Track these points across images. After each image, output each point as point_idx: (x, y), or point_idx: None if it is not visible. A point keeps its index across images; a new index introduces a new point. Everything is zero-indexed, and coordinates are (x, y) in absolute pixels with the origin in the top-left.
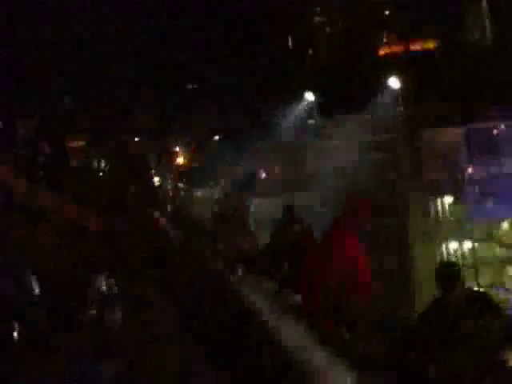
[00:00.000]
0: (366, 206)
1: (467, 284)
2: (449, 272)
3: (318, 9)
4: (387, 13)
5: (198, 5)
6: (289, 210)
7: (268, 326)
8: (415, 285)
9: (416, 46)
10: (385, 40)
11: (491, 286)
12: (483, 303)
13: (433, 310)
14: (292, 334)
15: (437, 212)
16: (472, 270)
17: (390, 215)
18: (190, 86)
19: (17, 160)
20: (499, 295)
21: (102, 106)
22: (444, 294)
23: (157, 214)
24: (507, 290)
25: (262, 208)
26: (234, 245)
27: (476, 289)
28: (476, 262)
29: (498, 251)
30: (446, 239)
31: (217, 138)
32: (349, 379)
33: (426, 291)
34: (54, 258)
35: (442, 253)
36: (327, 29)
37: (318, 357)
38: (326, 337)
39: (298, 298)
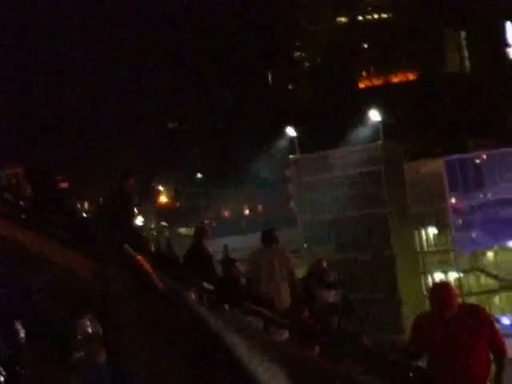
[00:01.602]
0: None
1: None
2: None
3: (297, 43)
4: (366, 46)
5: (176, 48)
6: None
7: (247, 368)
8: (403, 315)
9: (396, 79)
10: (364, 73)
11: None
12: None
13: None
14: (271, 376)
15: (421, 243)
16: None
17: (376, 248)
18: (171, 126)
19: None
20: None
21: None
22: None
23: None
24: (494, 319)
25: (244, 244)
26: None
27: None
28: (462, 293)
29: (484, 281)
30: (432, 270)
31: (199, 175)
32: None
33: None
34: (40, 301)
35: (428, 284)
36: (306, 64)
37: None
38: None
39: (286, 335)
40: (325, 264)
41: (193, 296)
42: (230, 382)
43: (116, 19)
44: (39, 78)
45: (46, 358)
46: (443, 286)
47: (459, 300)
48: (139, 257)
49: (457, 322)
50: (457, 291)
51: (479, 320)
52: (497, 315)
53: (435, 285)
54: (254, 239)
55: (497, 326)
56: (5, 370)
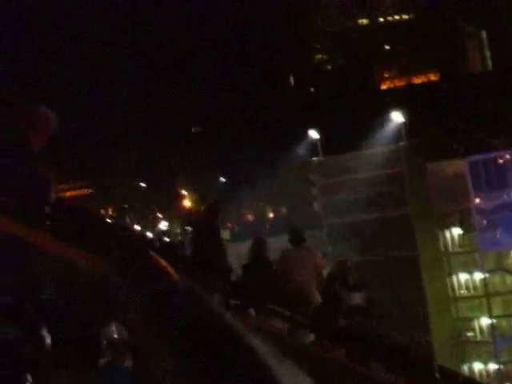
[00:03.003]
0: None
1: (480, 316)
2: None
3: (319, 46)
4: (387, 47)
5: (200, 49)
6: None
7: (269, 370)
8: (429, 315)
9: (418, 80)
10: (386, 75)
11: (504, 316)
12: None
13: None
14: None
15: (446, 244)
16: (484, 300)
17: (401, 249)
18: (194, 130)
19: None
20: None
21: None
22: None
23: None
24: None
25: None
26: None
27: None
28: (487, 293)
29: (510, 281)
30: (457, 271)
31: (223, 180)
32: None
33: (439, 320)
34: (63, 305)
35: (452, 284)
36: (328, 66)
37: None
38: None
39: (312, 337)
40: (349, 265)
41: (215, 299)
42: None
43: (140, 20)
44: (56, 77)
45: (70, 364)
46: None
47: None
48: (161, 260)
49: None
50: None
51: None
52: None
53: None
54: (278, 242)
55: None
56: (30, 374)
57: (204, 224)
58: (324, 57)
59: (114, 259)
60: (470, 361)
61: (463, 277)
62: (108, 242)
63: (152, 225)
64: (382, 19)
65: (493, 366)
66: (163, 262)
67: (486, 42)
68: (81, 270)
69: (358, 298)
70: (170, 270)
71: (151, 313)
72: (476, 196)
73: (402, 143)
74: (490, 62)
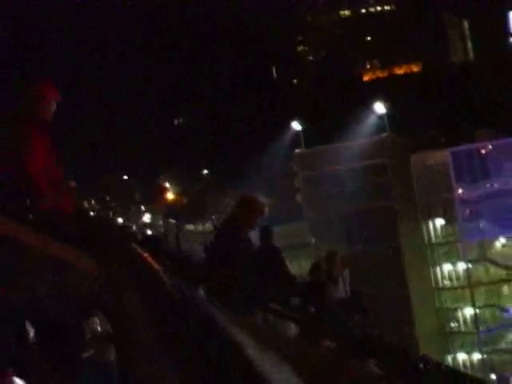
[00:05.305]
0: None
1: (463, 307)
2: None
3: (301, 38)
4: (369, 39)
5: (184, 48)
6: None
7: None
8: (413, 306)
9: (400, 70)
10: (368, 66)
11: (487, 306)
12: None
13: None
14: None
15: (429, 235)
16: (467, 291)
17: (384, 240)
18: (176, 122)
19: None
20: (496, 314)
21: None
22: None
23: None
24: (503, 309)
25: (253, 239)
26: None
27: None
28: (471, 284)
29: (493, 271)
30: (440, 261)
31: (206, 172)
32: None
33: (423, 311)
34: (47, 298)
35: (436, 275)
36: (310, 57)
37: None
38: None
39: (296, 329)
40: (336, 257)
41: (201, 293)
42: None
43: (122, 18)
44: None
45: (53, 358)
46: None
47: None
48: (147, 255)
49: None
50: None
51: None
52: (506, 305)
53: None
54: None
55: (505, 315)
56: (14, 370)
57: (263, 247)
58: (306, 48)
59: (114, 264)
60: (454, 351)
61: (446, 267)
62: (109, 247)
63: (135, 217)
64: (363, 10)
65: (476, 356)
66: (150, 259)
67: (468, 33)
68: (80, 272)
69: (342, 291)
70: (156, 265)
71: (149, 312)
72: (459, 186)
73: (384, 134)
74: (472, 53)
